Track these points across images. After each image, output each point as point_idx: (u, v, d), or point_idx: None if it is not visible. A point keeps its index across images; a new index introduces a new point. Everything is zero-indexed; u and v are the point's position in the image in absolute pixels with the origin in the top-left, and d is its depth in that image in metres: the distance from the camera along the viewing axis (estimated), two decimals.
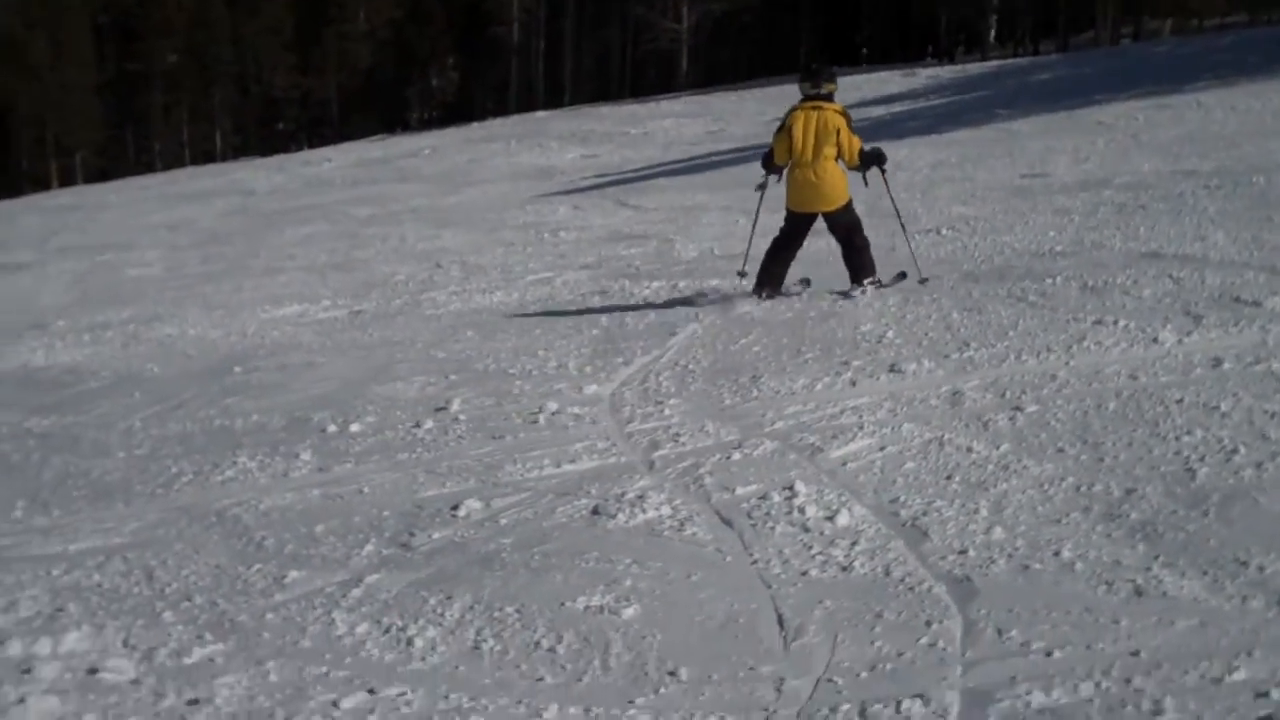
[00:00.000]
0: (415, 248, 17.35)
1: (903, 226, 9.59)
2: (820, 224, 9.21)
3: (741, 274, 9.58)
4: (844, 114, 8.95)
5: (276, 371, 9.07)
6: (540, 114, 48.34)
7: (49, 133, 64.49)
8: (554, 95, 61.63)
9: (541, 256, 14.44)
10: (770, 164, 9.13)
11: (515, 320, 10.07)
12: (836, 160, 8.86)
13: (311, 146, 59.24)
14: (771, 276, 9.17)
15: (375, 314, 11.66)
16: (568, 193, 22.40)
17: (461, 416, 6.77)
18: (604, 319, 9.42)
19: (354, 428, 6.79)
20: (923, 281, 8.91)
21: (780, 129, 8.96)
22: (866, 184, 9.28)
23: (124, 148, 68.78)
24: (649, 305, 9.74)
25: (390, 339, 9.97)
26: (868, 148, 9.02)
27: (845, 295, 8.81)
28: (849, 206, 9.03)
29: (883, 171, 9.16)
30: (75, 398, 9.00)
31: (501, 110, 59.15)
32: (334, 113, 69.46)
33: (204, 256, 19.93)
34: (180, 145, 68.88)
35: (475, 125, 46.33)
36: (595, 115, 40.54)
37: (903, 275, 9.04)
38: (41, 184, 60.90)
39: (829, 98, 8.95)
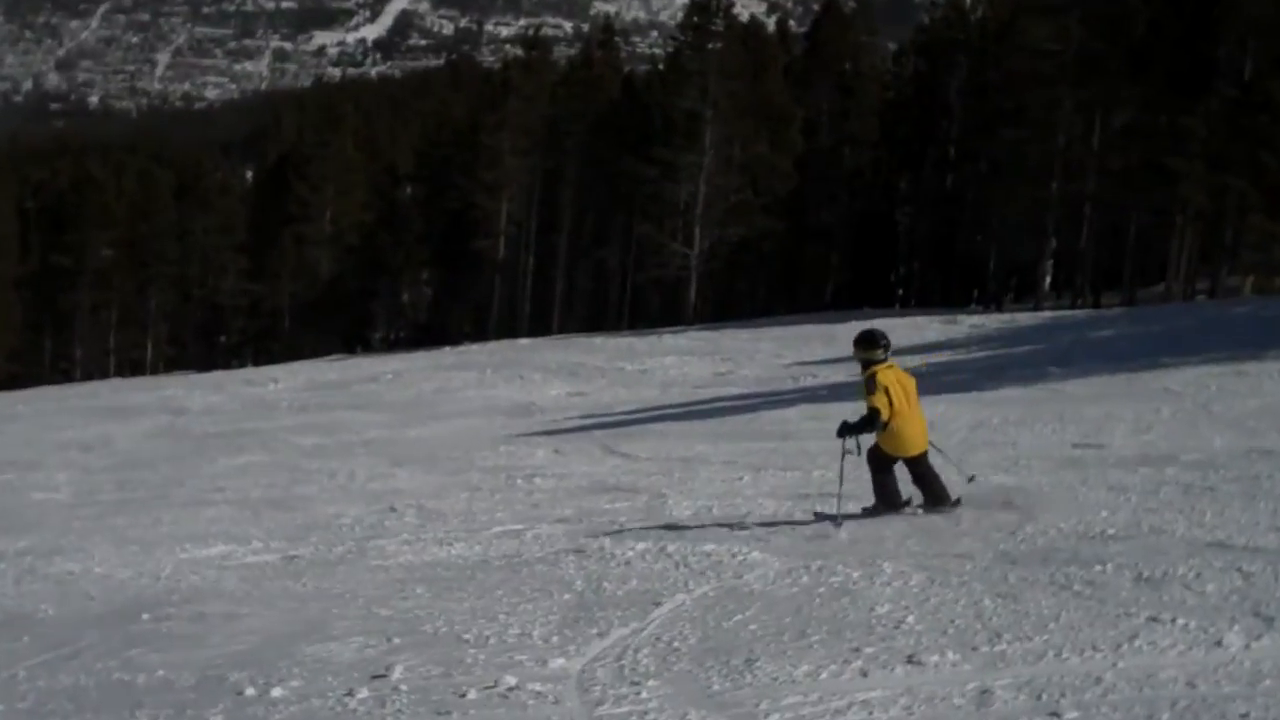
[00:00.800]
0: (366, 487, 17.44)
1: (937, 447, 11.50)
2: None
3: (838, 525, 10.81)
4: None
5: (191, 622, 9.07)
6: (523, 341, 49.25)
7: None
8: (540, 321, 62.72)
9: (512, 506, 14.50)
10: (873, 423, 10.93)
11: (475, 578, 10.08)
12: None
13: (256, 364, 60.18)
14: (897, 492, 11.26)
15: (312, 561, 11.68)
16: (548, 434, 22.63)
17: (403, 687, 6.75)
18: (579, 582, 9.46)
19: (275, 692, 6.77)
20: (970, 479, 11.46)
21: (874, 391, 10.91)
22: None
23: (40, 352, 69.55)
24: (632, 570, 9.77)
25: (327, 591, 9.97)
26: None
27: (936, 510, 10.93)
28: None
29: None
30: None
31: (479, 335, 60.22)
32: (285, 326, 70.40)
33: (120, 482, 20.02)
34: (105, 353, 69.70)
35: (448, 350, 47.10)
36: (587, 347, 41.22)
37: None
38: None
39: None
